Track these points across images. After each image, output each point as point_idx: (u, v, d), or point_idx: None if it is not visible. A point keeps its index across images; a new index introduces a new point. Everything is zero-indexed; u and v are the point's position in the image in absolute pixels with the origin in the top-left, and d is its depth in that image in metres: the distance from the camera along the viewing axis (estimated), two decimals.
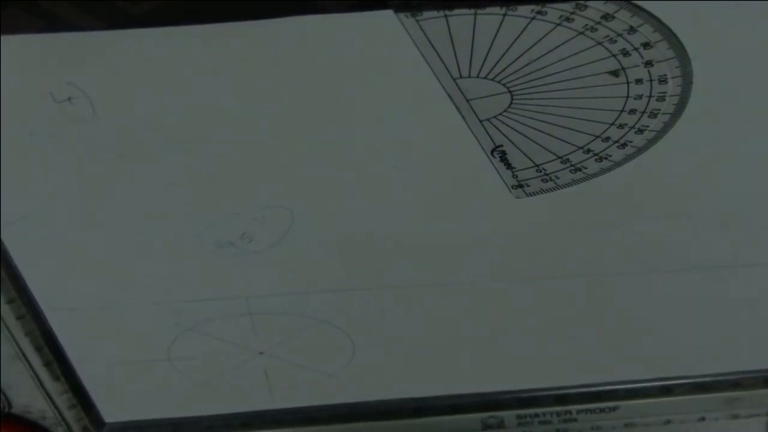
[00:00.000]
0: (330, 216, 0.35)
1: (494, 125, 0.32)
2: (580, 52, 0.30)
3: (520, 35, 0.30)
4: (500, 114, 0.32)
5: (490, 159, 0.33)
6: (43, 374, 0.39)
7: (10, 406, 0.39)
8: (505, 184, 0.34)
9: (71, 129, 0.32)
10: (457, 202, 0.35)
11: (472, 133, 0.32)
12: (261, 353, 0.40)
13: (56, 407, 0.40)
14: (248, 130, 0.33)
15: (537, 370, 0.40)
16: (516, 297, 0.38)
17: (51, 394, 0.39)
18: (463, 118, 0.32)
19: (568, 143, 0.33)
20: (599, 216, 0.35)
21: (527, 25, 0.29)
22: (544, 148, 0.33)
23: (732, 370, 0.40)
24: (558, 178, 0.34)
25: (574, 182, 0.34)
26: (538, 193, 0.34)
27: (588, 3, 0.29)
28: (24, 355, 0.38)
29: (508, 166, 0.33)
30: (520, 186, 0.34)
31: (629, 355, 0.40)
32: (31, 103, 0.31)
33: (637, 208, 0.35)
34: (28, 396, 0.39)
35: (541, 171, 0.33)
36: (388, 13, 0.29)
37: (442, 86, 0.31)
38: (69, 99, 0.31)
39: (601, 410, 0.41)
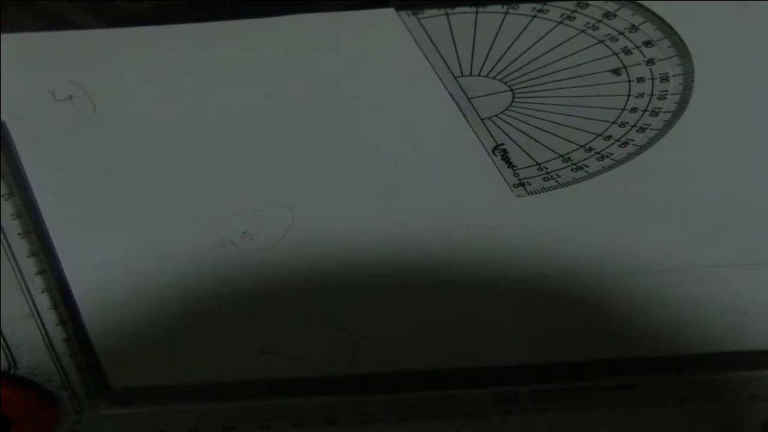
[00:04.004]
0: (330, 215, 0.35)
1: (495, 123, 0.32)
2: (582, 50, 0.30)
3: (521, 33, 0.30)
4: (501, 112, 0.32)
5: (491, 157, 0.33)
6: (55, 334, 0.38)
7: (15, 367, 0.39)
8: (507, 182, 0.34)
9: (72, 128, 0.32)
10: (458, 200, 0.35)
11: (474, 131, 0.32)
12: (262, 352, 0.40)
13: (63, 369, 0.39)
14: (249, 129, 0.32)
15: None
16: (517, 296, 0.38)
17: (60, 356, 0.38)
18: (465, 116, 0.32)
19: (570, 142, 0.33)
20: (600, 215, 0.35)
21: (528, 24, 0.29)
22: (546, 146, 0.33)
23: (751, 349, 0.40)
24: (559, 177, 0.34)
25: (576, 181, 0.34)
26: (539, 192, 0.34)
27: (589, 1, 0.29)
28: (38, 312, 0.37)
29: (510, 164, 0.33)
30: (522, 184, 0.34)
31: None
32: (32, 101, 0.31)
33: (638, 206, 0.35)
34: (36, 357, 0.38)
35: (542, 169, 0.33)
36: (390, 12, 0.29)
37: (444, 84, 0.31)
38: (70, 97, 0.31)
39: (618, 387, 0.40)
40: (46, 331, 0.38)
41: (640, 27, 0.29)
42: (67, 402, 0.40)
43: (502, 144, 0.33)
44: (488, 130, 0.32)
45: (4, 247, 0.35)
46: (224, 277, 0.37)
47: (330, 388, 0.41)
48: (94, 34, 0.30)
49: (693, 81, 0.31)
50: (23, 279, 0.36)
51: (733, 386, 0.40)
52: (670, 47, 0.30)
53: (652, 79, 0.31)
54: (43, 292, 0.36)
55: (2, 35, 0.29)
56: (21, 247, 0.35)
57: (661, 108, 0.31)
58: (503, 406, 0.41)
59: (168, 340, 0.39)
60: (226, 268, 0.37)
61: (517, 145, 0.33)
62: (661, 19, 0.29)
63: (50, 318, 0.37)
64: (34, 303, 0.37)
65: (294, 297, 0.38)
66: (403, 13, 0.29)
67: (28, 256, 0.35)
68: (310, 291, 0.37)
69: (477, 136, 0.32)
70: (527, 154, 0.33)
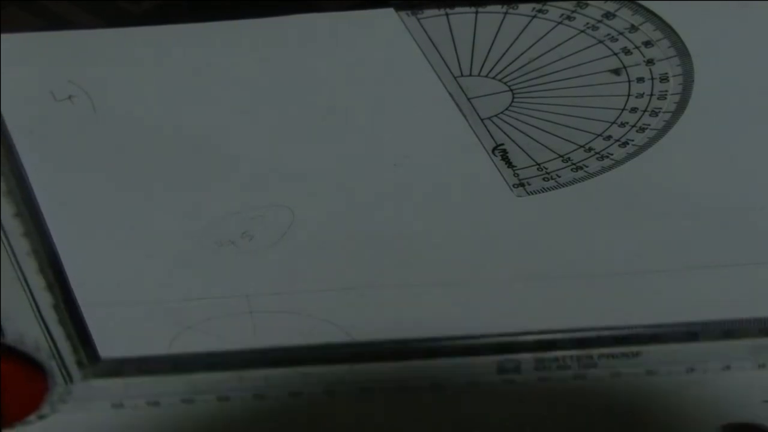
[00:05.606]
0: (330, 215, 0.35)
1: (495, 124, 0.32)
2: (581, 50, 0.30)
3: (521, 34, 0.30)
4: (501, 112, 0.32)
5: (491, 157, 0.33)
6: (42, 300, 0.36)
7: (2, 335, 0.37)
8: (507, 182, 0.34)
9: (72, 127, 0.32)
10: (458, 200, 0.35)
11: (473, 131, 0.32)
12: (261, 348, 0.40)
13: (51, 338, 0.37)
14: (248, 129, 0.33)
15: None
16: (517, 295, 0.38)
17: (48, 323, 0.37)
18: (464, 116, 0.32)
19: (570, 142, 0.33)
20: (600, 215, 0.35)
21: (528, 24, 0.29)
22: (546, 146, 0.33)
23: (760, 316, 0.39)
24: (559, 177, 0.34)
25: (576, 181, 0.34)
26: (539, 192, 0.34)
27: (589, 1, 0.29)
28: (24, 276, 0.36)
29: (509, 164, 0.33)
30: (522, 185, 0.34)
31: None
32: (32, 101, 0.31)
33: (638, 206, 0.35)
34: (23, 325, 0.37)
35: (542, 169, 0.33)
36: (389, 12, 0.29)
37: (443, 85, 0.31)
38: (69, 97, 0.31)
39: (623, 355, 0.39)
40: (33, 296, 0.36)
41: (640, 27, 0.29)
42: (57, 372, 0.39)
43: (502, 144, 0.33)
44: (488, 130, 0.32)
45: None
46: (224, 277, 0.37)
47: (328, 356, 0.40)
48: (94, 34, 0.30)
49: (693, 81, 0.31)
50: (9, 241, 0.34)
51: (741, 354, 0.40)
52: (670, 47, 0.30)
53: (652, 79, 0.31)
54: (28, 254, 0.35)
55: (2, 35, 0.29)
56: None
57: (661, 108, 0.31)
58: (506, 375, 0.40)
59: (168, 339, 0.39)
60: (226, 268, 0.37)
61: (517, 145, 0.33)
62: (661, 19, 0.29)
63: (37, 283, 0.36)
64: (20, 266, 0.35)
65: (294, 297, 0.38)
66: (403, 13, 0.29)
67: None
68: (310, 291, 0.38)
69: (477, 136, 0.32)
70: (527, 154, 0.33)
